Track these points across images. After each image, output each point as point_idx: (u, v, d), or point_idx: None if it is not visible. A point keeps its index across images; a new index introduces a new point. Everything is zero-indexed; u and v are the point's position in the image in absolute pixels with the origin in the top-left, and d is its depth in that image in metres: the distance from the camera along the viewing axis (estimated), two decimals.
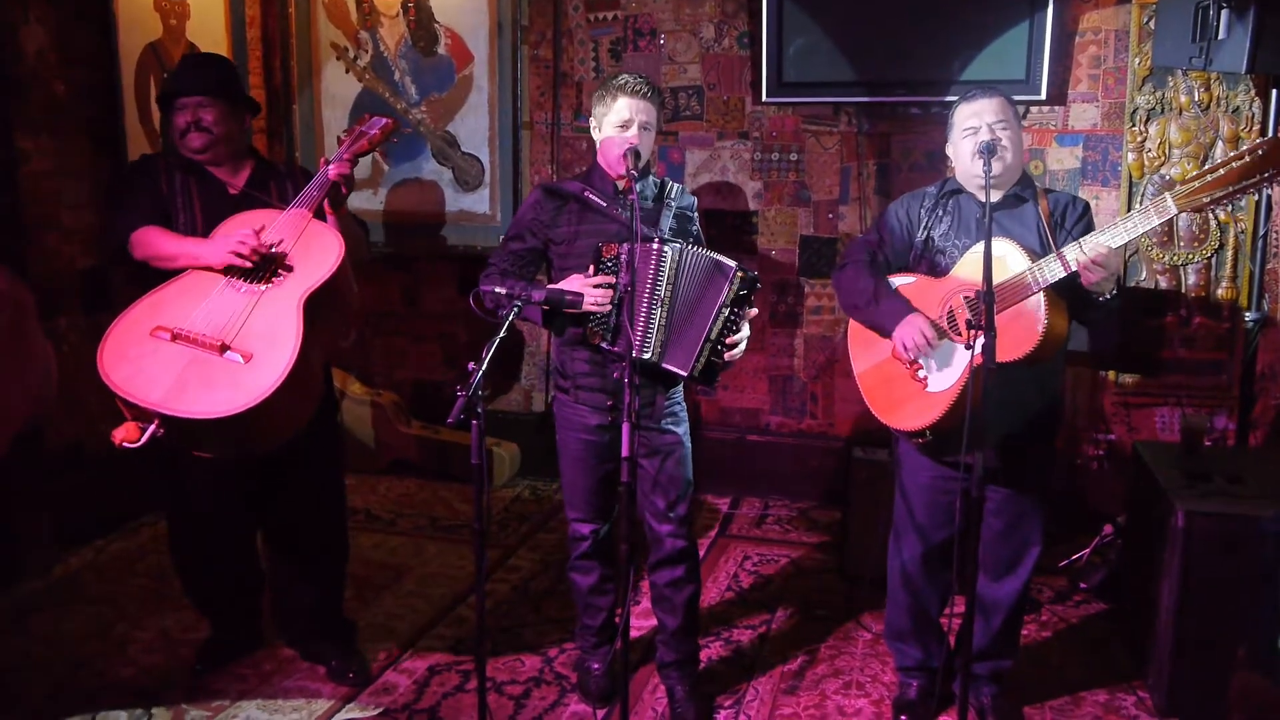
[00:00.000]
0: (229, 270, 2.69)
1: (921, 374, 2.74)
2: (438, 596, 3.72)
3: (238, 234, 2.68)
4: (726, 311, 2.73)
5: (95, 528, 4.14)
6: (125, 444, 2.45)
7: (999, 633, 2.93)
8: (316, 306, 2.66)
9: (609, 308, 2.69)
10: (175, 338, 2.56)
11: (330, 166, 2.86)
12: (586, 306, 2.68)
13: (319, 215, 2.84)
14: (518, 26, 4.74)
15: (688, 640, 3.01)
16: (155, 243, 2.77)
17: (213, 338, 2.56)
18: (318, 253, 2.73)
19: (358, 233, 3.06)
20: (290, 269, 2.70)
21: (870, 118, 4.44)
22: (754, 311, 2.78)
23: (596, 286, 2.69)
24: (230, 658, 3.22)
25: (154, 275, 2.76)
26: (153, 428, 2.45)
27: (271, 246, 2.70)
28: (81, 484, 4.05)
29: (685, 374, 2.75)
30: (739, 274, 2.73)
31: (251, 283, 2.68)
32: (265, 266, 2.70)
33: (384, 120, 3.08)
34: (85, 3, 4.06)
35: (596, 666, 3.09)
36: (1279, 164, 2.39)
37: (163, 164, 2.97)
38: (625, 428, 2.28)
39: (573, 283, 2.71)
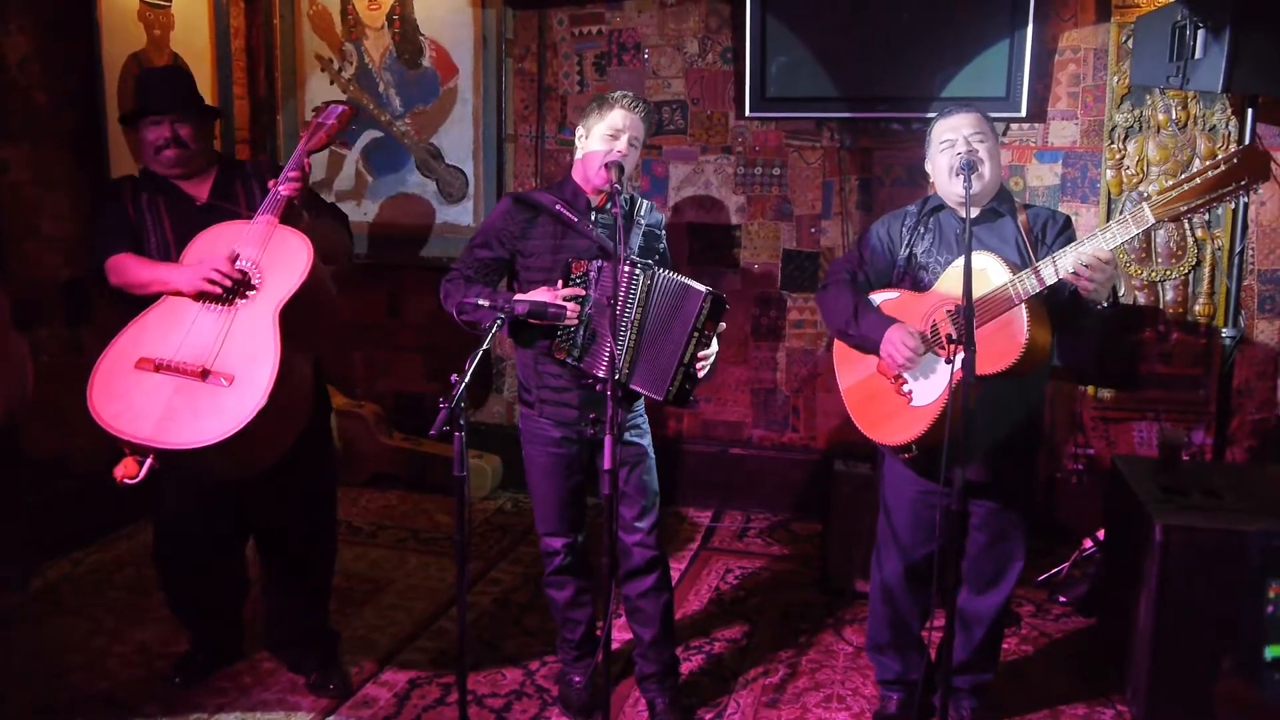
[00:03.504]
0: (202, 295, 2.67)
1: (906, 389, 2.74)
2: (418, 609, 3.71)
3: (209, 262, 2.65)
4: (698, 335, 2.73)
5: (73, 540, 4.10)
6: (125, 480, 2.45)
7: (980, 646, 2.94)
8: (295, 314, 2.65)
9: (575, 321, 2.70)
10: (159, 368, 2.55)
11: (281, 186, 2.78)
12: (568, 320, 2.68)
13: (288, 218, 2.78)
14: (503, 40, 4.76)
15: (665, 650, 3.00)
16: (128, 271, 2.78)
17: (194, 364, 2.55)
18: (287, 261, 2.69)
19: (333, 233, 3.01)
20: (262, 281, 2.68)
21: (852, 133, 4.47)
22: (722, 326, 2.78)
23: (568, 299, 2.68)
24: (209, 670, 3.20)
25: (134, 296, 2.76)
26: (149, 461, 2.45)
27: (243, 270, 2.67)
28: (59, 496, 4.01)
29: (660, 399, 2.75)
30: (709, 298, 2.71)
31: (225, 303, 2.66)
32: (238, 283, 2.67)
33: (340, 108, 3.02)
34: (68, 13, 4.04)
35: (578, 679, 3.08)
36: (1253, 171, 2.42)
37: (130, 186, 2.95)
38: (607, 440, 2.27)
39: (541, 294, 2.69)
